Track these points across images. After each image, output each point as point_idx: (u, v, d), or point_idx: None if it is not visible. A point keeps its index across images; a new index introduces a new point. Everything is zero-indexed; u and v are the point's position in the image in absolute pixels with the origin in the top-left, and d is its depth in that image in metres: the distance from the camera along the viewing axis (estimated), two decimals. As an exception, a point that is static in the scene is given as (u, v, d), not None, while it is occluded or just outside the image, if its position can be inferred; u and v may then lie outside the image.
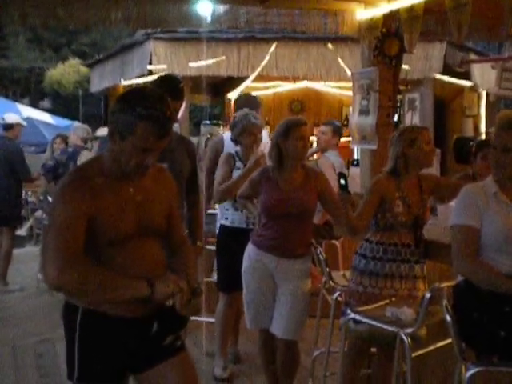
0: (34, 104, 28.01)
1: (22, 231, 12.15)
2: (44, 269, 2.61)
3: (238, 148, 5.33)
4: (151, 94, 2.67)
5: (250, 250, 4.53)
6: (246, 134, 5.23)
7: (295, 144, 4.36)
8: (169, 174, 3.04)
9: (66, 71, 30.78)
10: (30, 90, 33.35)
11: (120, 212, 2.70)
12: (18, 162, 8.88)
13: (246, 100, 6.46)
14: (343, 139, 10.75)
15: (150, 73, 9.81)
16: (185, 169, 4.72)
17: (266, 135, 6.43)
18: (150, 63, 9.72)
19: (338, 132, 7.24)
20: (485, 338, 3.08)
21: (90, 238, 2.64)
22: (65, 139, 9.93)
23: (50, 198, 8.50)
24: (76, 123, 14.38)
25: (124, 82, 11.11)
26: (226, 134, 5.77)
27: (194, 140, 10.14)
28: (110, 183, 2.71)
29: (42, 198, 9.63)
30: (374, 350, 4.43)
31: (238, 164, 5.23)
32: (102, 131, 9.60)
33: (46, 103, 33.48)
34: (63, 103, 32.11)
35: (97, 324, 2.71)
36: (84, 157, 8.75)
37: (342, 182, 4.06)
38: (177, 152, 4.58)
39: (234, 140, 5.33)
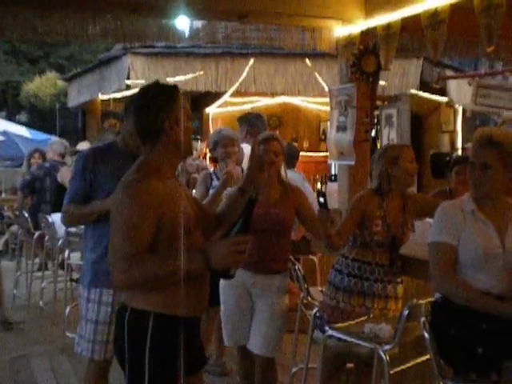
0: (10, 117, 27.80)
1: (-4, 246, 12.04)
2: (112, 270, 2.68)
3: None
4: (167, 85, 2.99)
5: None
6: (218, 147, 5.26)
7: (267, 158, 4.34)
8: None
9: (43, 84, 30.58)
10: (7, 103, 33.11)
11: (182, 203, 2.82)
12: None
13: (251, 116, 6.44)
14: (320, 154, 10.84)
15: (128, 87, 9.80)
16: None
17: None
18: (128, 78, 9.70)
19: (292, 153, 7.31)
20: (462, 354, 3.09)
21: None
22: (42, 154, 9.87)
23: (25, 214, 8.45)
24: (53, 137, 14.31)
25: (102, 97, 11.08)
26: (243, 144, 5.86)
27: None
28: (164, 183, 2.81)
29: (17, 212, 9.55)
30: (351, 365, 4.43)
31: (215, 183, 5.23)
32: (83, 145, 9.55)
33: (22, 116, 33.23)
34: (40, 117, 31.88)
35: (169, 328, 2.77)
36: (63, 173, 8.70)
37: (321, 200, 4.06)
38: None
39: (212, 157, 5.35)
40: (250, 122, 6.30)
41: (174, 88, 2.94)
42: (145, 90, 2.96)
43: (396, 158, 4.22)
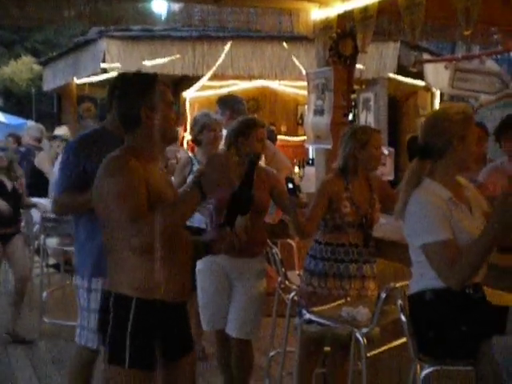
0: (-15, 102, 27.55)
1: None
2: (134, 238, 2.72)
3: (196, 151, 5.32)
4: (144, 74, 3.12)
5: (203, 251, 4.50)
6: (206, 131, 5.22)
7: (255, 145, 4.35)
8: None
9: (18, 69, 30.32)
10: (-18, 87, 32.78)
11: (162, 185, 2.94)
12: None
13: (233, 100, 6.33)
14: (298, 138, 10.83)
15: (104, 71, 9.71)
16: None
17: None
18: (104, 61, 9.61)
19: (270, 137, 7.25)
20: (440, 345, 3.08)
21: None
22: (17, 139, 9.79)
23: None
24: (29, 122, 14.19)
25: (77, 81, 10.99)
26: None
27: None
28: (147, 162, 2.91)
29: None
30: (328, 349, 4.45)
31: (195, 167, 5.20)
32: (60, 130, 9.46)
33: (-3, 101, 32.94)
34: (16, 101, 31.62)
35: (150, 312, 2.84)
36: (40, 158, 8.63)
37: (290, 185, 4.06)
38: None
39: (195, 140, 5.31)
40: (233, 106, 6.21)
41: (150, 76, 3.02)
42: (122, 78, 3.09)
43: (365, 143, 4.24)
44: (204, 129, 5.22)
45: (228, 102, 6.14)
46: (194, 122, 5.31)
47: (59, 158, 5.97)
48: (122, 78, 3.11)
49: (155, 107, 2.91)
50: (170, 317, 2.91)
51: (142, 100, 2.90)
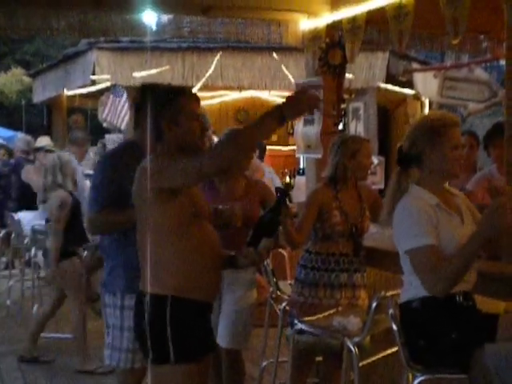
0: (-25, 114, 27.48)
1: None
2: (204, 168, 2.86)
3: None
4: (170, 85, 3.43)
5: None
6: None
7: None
8: None
9: (8, 81, 30.26)
10: (-28, 100, 32.68)
11: (199, 195, 3.13)
12: None
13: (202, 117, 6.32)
14: (288, 148, 10.84)
15: (93, 83, 9.71)
16: None
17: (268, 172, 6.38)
18: (94, 73, 9.61)
19: (259, 146, 7.26)
20: (432, 358, 3.08)
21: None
22: (9, 151, 9.77)
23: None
24: (19, 134, 14.15)
25: (67, 92, 10.97)
26: None
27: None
28: None
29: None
30: (319, 358, 4.44)
31: None
32: (42, 141, 9.41)
33: (-13, 113, 32.84)
34: (6, 113, 31.53)
35: (187, 310, 2.97)
36: (27, 171, 8.59)
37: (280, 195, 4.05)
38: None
39: None
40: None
41: (173, 89, 3.20)
42: (145, 91, 3.29)
43: (355, 152, 4.26)
44: None
45: None
46: None
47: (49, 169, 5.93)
48: (145, 90, 3.27)
49: (177, 120, 3.01)
50: (204, 315, 3.08)
51: (163, 113, 3.02)
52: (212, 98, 10.97)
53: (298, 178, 8.84)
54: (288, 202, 4.12)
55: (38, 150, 9.04)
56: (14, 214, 7.58)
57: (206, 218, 3.11)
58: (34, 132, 18.53)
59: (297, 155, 6.95)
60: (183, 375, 2.96)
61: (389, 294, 3.35)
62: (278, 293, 4.67)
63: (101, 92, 9.97)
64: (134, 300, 3.33)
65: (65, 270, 5.84)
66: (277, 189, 4.17)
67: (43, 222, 6.71)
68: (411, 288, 3.15)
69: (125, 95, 9.12)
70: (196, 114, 3.08)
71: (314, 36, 5.84)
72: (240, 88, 10.61)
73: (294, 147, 6.89)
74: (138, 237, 3.06)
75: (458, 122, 3.25)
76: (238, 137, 2.99)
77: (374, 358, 3.85)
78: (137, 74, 9.33)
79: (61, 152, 6.71)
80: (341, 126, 6.27)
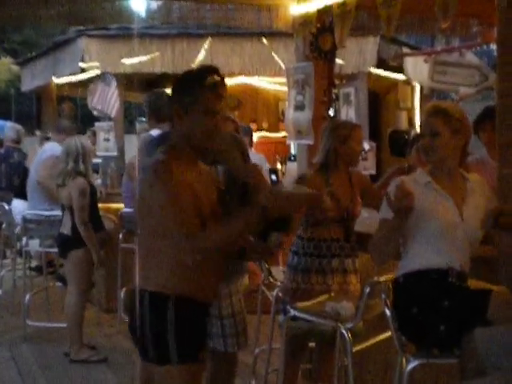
0: (-36, 104, 27.35)
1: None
2: (188, 244, 2.76)
3: None
4: (206, 68, 2.97)
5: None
6: None
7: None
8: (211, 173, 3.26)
9: (-4, 70, 30.13)
10: (-39, 89, 32.50)
11: (203, 192, 2.91)
12: None
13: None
14: (279, 135, 10.82)
15: (83, 70, 9.65)
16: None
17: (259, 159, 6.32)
18: (83, 61, 9.54)
19: (247, 133, 7.18)
20: (424, 332, 3.10)
21: None
22: (-1, 140, 9.73)
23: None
24: (8, 123, 14.08)
25: (56, 80, 10.90)
26: (155, 131, 5.50)
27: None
28: (188, 165, 2.89)
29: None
30: (312, 344, 4.44)
31: None
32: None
33: (-24, 103, 32.67)
34: (-5, 103, 31.39)
35: (188, 308, 2.90)
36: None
37: (273, 177, 4.06)
38: (231, 153, 4.24)
39: None
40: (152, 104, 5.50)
41: (198, 77, 2.90)
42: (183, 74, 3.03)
43: (346, 138, 4.26)
44: None
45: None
46: None
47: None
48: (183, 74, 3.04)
49: (187, 109, 2.85)
50: (205, 315, 3.04)
51: (176, 97, 2.90)
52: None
53: (289, 164, 8.86)
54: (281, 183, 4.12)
55: (48, 139, 8.75)
56: (4, 204, 7.53)
57: (212, 218, 2.93)
58: (24, 121, 18.47)
59: (288, 141, 6.94)
60: (186, 375, 2.92)
61: (381, 279, 3.36)
62: (271, 279, 4.66)
63: (90, 80, 9.90)
64: None
65: (79, 259, 5.79)
66: (271, 170, 4.18)
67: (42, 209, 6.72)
68: (400, 263, 3.33)
69: (114, 83, 9.05)
70: (212, 111, 2.85)
71: (305, 21, 5.81)
72: (230, 74, 10.55)
73: (285, 133, 6.88)
74: (141, 233, 2.99)
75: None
76: (220, 237, 2.83)
77: (367, 344, 3.85)
78: (126, 61, 9.27)
79: (81, 138, 6.64)
80: (332, 112, 6.26)
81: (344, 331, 3.53)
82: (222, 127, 4.34)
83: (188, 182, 2.81)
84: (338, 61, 6.85)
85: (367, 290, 3.41)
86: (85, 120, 15.26)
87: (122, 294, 6.36)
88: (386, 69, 10.35)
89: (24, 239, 6.79)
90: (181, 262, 2.82)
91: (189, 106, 2.84)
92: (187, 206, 2.76)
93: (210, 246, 2.81)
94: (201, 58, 9.63)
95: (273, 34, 9.30)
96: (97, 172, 8.98)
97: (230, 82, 11.09)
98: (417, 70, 9.99)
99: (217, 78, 2.88)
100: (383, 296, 3.19)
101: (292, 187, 3.07)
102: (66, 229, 5.84)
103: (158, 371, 2.97)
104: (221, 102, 2.88)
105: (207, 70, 2.90)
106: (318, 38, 5.69)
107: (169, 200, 2.76)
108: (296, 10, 5.89)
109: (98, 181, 8.66)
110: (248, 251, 3.21)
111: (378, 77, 10.38)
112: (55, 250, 6.23)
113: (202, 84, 2.84)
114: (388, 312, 3.16)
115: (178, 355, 2.87)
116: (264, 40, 9.73)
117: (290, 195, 2.87)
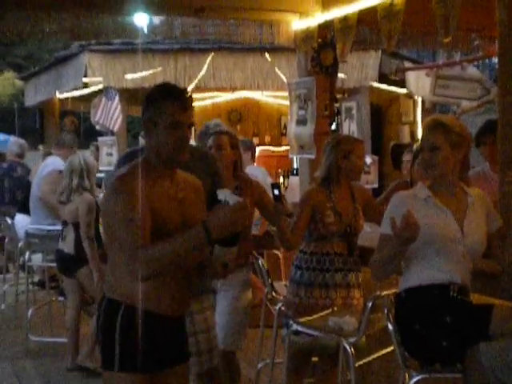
0: (-33, 119, 27.44)
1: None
2: (129, 264, 2.75)
3: None
4: (168, 84, 3.03)
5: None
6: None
7: (217, 153, 4.33)
8: (200, 186, 3.17)
9: (0, 84, 30.23)
10: (-36, 104, 32.60)
11: (167, 207, 2.88)
12: None
13: None
14: (282, 148, 10.84)
15: (86, 85, 9.69)
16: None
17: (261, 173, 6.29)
18: (86, 75, 9.59)
19: (249, 148, 7.20)
20: (427, 347, 3.10)
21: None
22: (1, 155, 9.75)
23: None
24: (12, 138, 14.13)
25: (59, 95, 10.94)
26: None
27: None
28: (155, 179, 2.89)
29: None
30: (315, 359, 4.43)
31: None
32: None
33: (-20, 118, 32.76)
34: (-2, 117, 31.49)
35: (137, 319, 2.85)
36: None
37: (276, 192, 4.06)
38: (196, 169, 4.04)
39: None
40: None
41: (164, 89, 2.95)
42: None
43: (348, 152, 4.27)
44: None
45: None
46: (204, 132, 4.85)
47: None
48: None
49: (155, 122, 2.87)
50: (161, 327, 2.92)
51: (145, 112, 2.92)
52: (205, 99, 10.96)
53: (291, 178, 8.85)
54: (281, 199, 4.13)
55: (50, 154, 8.74)
56: (7, 218, 7.54)
57: (176, 230, 2.84)
58: (27, 135, 18.51)
59: (290, 156, 6.95)
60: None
61: (384, 293, 3.36)
62: (274, 294, 4.66)
63: (93, 95, 9.94)
64: None
65: (87, 276, 5.76)
66: (273, 185, 4.17)
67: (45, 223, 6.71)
68: (402, 280, 3.32)
69: (117, 98, 9.09)
70: (178, 122, 2.86)
71: (306, 36, 5.84)
72: (232, 89, 10.60)
73: (287, 147, 6.89)
74: (106, 244, 3.04)
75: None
76: (164, 254, 2.74)
77: (370, 358, 3.85)
78: (129, 76, 9.31)
79: (84, 153, 6.64)
80: (334, 126, 6.28)
81: (347, 345, 3.52)
82: (218, 141, 4.38)
83: (148, 197, 2.80)
84: (340, 75, 6.88)
85: (370, 304, 3.41)
86: (88, 134, 15.30)
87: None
88: (387, 83, 10.38)
89: (27, 254, 6.79)
90: (133, 273, 2.79)
91: (156, 120, 2.88)
92: (139, 218, 2.74)
93: (151, 260, 2.73)
94: (203, 72, 9.68)
95: (275, 49, 9.35)
96: (99, 186, 8.99)
97: (232, 96, 11.17)
98: (419, 84, 10.03)
99: (180, 90, 2.94)
100: (386, 310, 3.19)
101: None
102: (67, 247, 5.81)
103: (103, 375, 2.98)
104: (186, 114, 2.89)
105: (170, 87, 2.98)
106: (320, 53, 5.71)
107: (121, 211, 2.76)
108: (298, 25, 5.92)
109: (100, 195, 8.67)
110: (207, 269, 3.04)
111: (380, 91, 10.42)
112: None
113: (165, 97, 2.89)
114: (391, 326, 3.15)
115: (120, 362, 2.86)
116: (266, 55, 9.77)
117: (230, 213, 2.74)
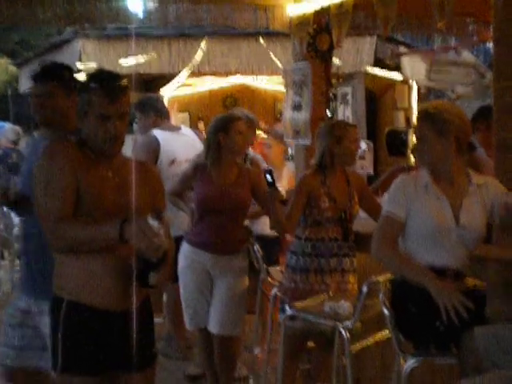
0: (-39, 105, 27.31)
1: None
2: (44, 229, 2.72)
3: None
4: (100, 72, 2.96)
5: (184, 249, 4.49)
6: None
7: (236, 138, 4.37)
8: (157, 173, 3.16)
9: (-7, 70, 30.08)
10: (-42, 90, 32.44)
11: (99, 187, 2.80)
12: None
13: (154, 100, 6.00)
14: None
15: (79, 71, 9.64)
16: None
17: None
18: (80, 61, 9.55)
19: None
20: (422, 330, 3.11)
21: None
22: (-4, 142, 9.71)
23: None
24: (6, 124, 14.08)
25: (53, 81, 10.87)
26: (157, 131, 5.56)
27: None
28: (89, 160, 2.84)
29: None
30: (311, 344, 4.45)
31: None
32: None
33: (-26, 104, 32.61)
34: (-8, 104, 31.34)
35: (80, 316, 2.77)
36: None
37: (269, 178, 4.07)
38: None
39: None
40: (156, 106, 5.82)
41: (90, 82, 2.88)
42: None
43: (341, 138, 4.28)
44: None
45: (150, 104, 5.83)
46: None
47: None
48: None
49: (85, 113, 2.84)
50: (104, 324, 2.79)
51: (78, 102, 2.89)
52: (199, 84, 10.94)
53: (287, 163, 8.83)
54: (275, 184, 4.13)
55: None
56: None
57: (112, 212, 2.76)
58: (22, 122, 18.43)
59: (285, 139, 6.93)
60: None
61: (379, 278, 3.37)
62: (269, 279, 4.67)
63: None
64: None
65: None
66: (266, 171, 4.18)
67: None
68: None
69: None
70: (104, 115, 2.80)
71: (302, 21, 5.81)
72: (227, 74, 10.58)
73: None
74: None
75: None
76: (71, 232, 2.67)
77: (365, 343, 3.86)
78: (123, 62, 9.28)
79: None
80: (329, 112, 6.26)
81: (342, 330, 3.54)
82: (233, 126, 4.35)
83: (79, 174, 2.75)
84: (335, 60, 6.86)
85: (365, 289, 3.42)
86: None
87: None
88: (382, 68, 10.37)
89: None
90: (72, 265, 2.74)
91: (86, 110, 2.84)
92: (61, 189, 2.70)
93: (63, 237, 2.68)
94: (198, 58, 9.65)
95: (270, 35, 9.32)
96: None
97: (226, 82, 11.14)
98: (414, 69, 10.02)
99: (111, 80, 2.85)
100: (381, 295, 3.20)
101: None
102: None
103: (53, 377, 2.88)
104: (115, 106, 2.81)
105: (101, 76, 2.89)
106: (316, 39, 5.69)
107: (47, 177, 2.73)
108: (293, 10, 5.89)
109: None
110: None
111: (375, 76, 10.41)
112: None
113: (94, 88, 2.82)
114: (386, 311, 3.17)
115: (62, 363, 2.76)
116: (261, 40, 9.74)
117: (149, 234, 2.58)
